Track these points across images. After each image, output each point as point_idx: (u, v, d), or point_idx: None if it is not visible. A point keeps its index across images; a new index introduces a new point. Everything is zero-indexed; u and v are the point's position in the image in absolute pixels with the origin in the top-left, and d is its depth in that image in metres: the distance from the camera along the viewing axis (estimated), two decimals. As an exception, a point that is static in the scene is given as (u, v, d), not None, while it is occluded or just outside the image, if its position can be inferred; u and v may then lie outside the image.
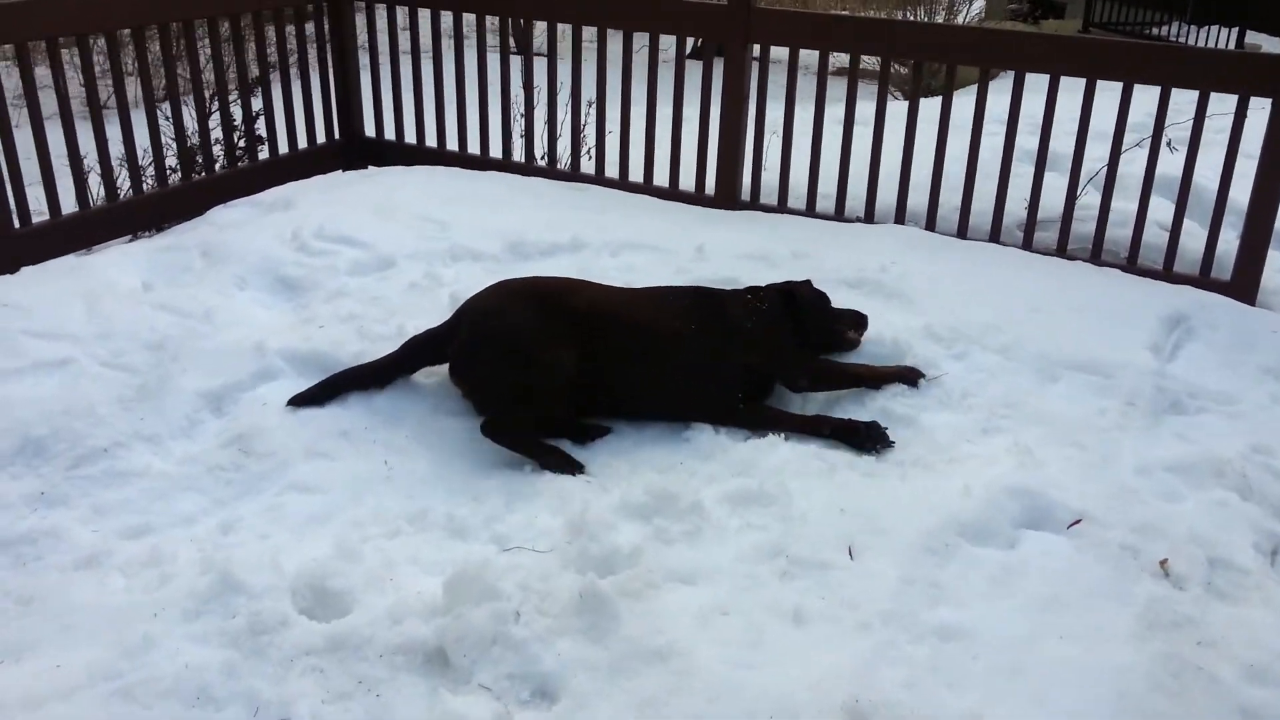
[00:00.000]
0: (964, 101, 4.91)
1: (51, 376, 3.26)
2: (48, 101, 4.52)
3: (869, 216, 4.93)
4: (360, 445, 3.21)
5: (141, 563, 2.63)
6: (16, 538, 2.73)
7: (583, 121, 5.77)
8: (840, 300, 3.86)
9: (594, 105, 5.44)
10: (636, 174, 5.41)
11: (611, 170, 5.46)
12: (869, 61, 6.34)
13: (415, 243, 4.27)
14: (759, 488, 2.88)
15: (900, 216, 4.87)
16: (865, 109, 4.94)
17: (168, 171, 5.23)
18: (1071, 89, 4.43)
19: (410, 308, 3.76)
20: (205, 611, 2.41)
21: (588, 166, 5.76)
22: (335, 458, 3.15)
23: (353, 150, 6.03)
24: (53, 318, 3.51)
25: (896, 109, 4.98)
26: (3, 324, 3.44)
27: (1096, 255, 4.56)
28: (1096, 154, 4.58)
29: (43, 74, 4.82)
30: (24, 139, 4.40)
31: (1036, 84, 4.46)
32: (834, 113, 4.97)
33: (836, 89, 5.05)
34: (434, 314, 3.73)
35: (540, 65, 5.54)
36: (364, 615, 2.40)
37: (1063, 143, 4.61)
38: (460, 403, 3.36)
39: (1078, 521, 2.86)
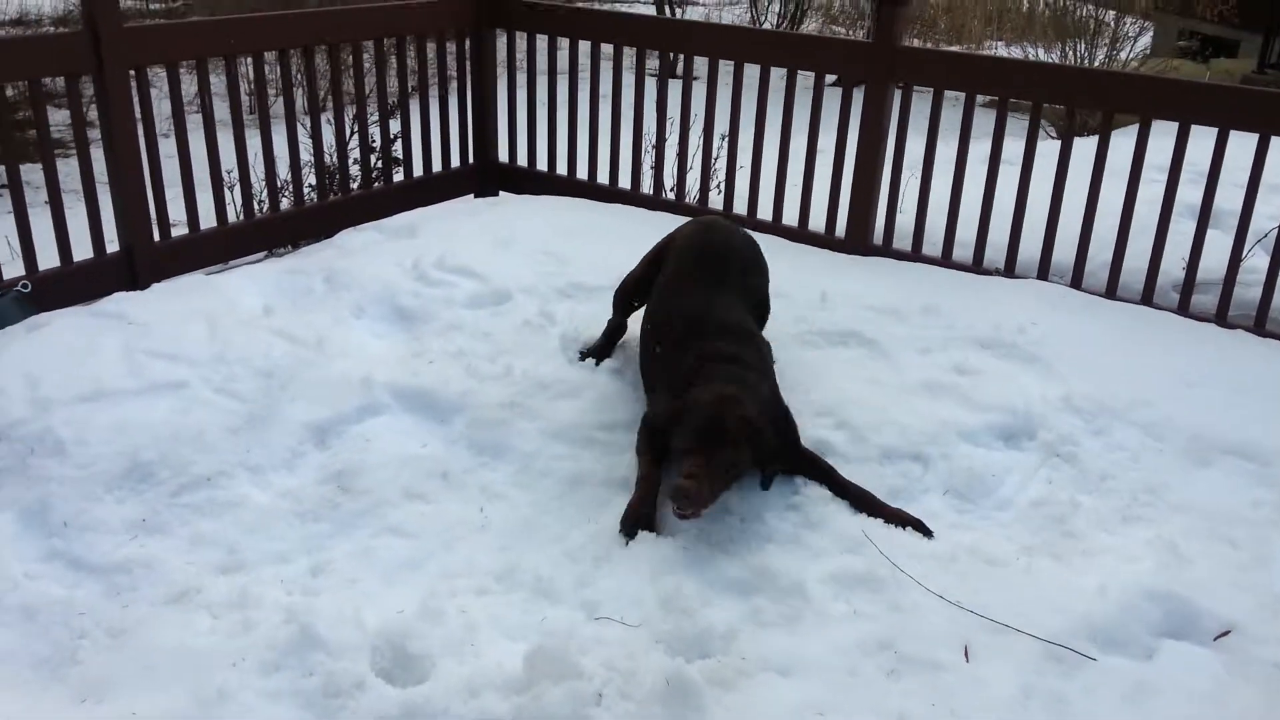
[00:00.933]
0: (1122, 143, 4.55)
1: (165, 399, 3.30)
2: (191, 118, 4.66)
3: (1009, 269, 4.64)
4: (458, 488, 3.14)
5: (229, 604, 2.60)
6: (114, 566, 2.76)
7: (714, 155, 5.65)
8: (970, 363, 3.62)
9: (726, 139, 5.31)
10: (765, 211, 5.24)
11: (740, 206, 5.31)
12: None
13: (533, 278, 4.21)
14: (868, 570, 2.67)
15: (1044, 271, 4.56)
16: (1013, 147, 4.65)
17: (305, 190, 5.33)
18: (1244, 136, 4.06)
19: (520, 347, 3.70)
20: (283, 666, 2.36)
21: (716, 201, 5.62)
22: (432, 500, 3.09)
23: (485, 175, 6.05)
24: (173, 338, 3.57)
25: (1047, 149, 4.67)
26: (127, 342, 3.51)
27: (1260, 325, 4.16)
28: (1267, 211, 4.18)
29: (188, 90, 4.98)
30: (167, 150, 4.54)
31: (1204, 130, 4.11)
32: (978, 150, 4.70)
33: (983, 123, 4.77)
34: (543, 355, 3.65)
35: (674, 95, 5.44)
36: (441, 683, 2.31)
37: (1229, 196, 4.22)
38: (567, 445, 3.25)
39: (1226, 633, 2.57)
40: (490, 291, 4.14)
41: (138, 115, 4.47)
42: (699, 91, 5.30)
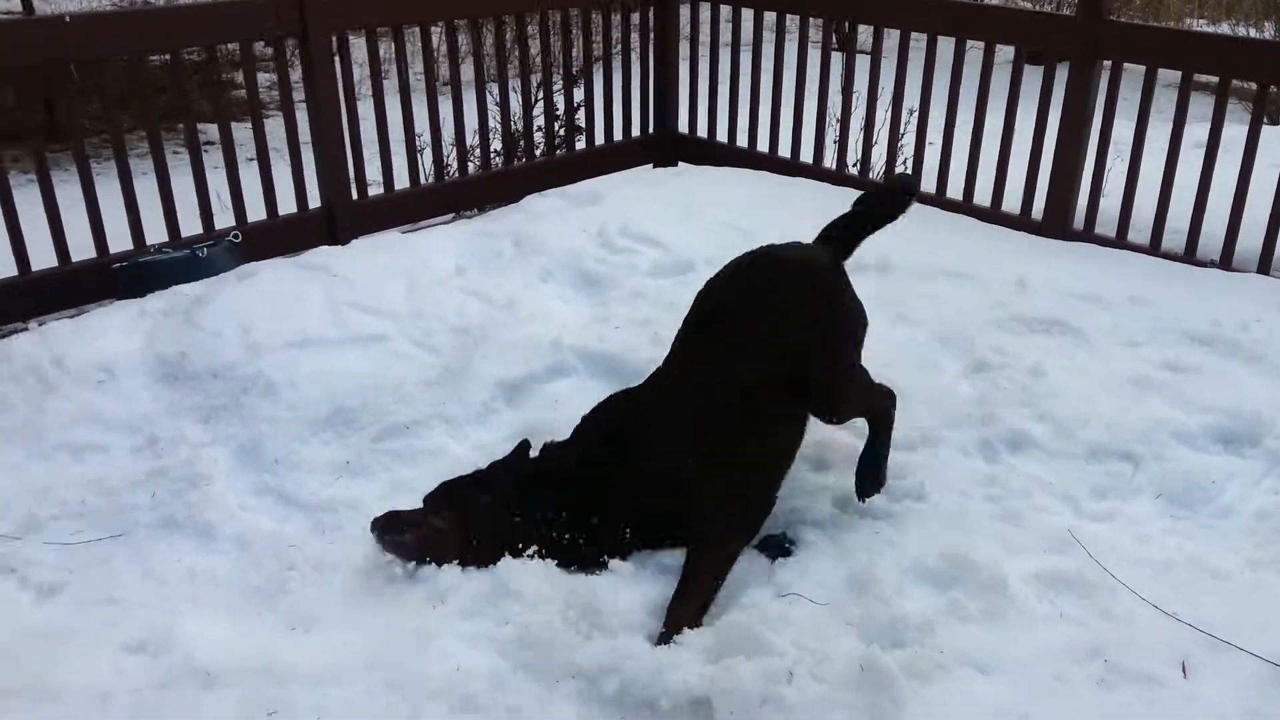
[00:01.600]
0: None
1: (367, 350, 3.42)
2: (385, 84, 4.80)
3: (1225, 262, 4.32)
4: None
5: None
6: (320, 504, 2.88)
7: (901, 130, 5.47)
8: (1185, 360, 3.39)
9: (915, 114, 5.13)
10: (955, 190, 5.05)
11: (928, 183, 5.12)
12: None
13: (715, 249, 4.14)
14: (1077, 572, 2.54)
15: (1266, 265, 4.23)
16: (1233, 131, 4.32)
17: (492, 155, 5.43)
18: None
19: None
20: (479, 613, 2.41)
21: (902, 179, 5.43)
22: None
23: (664, 145, 6.03)
24: (374, 293, 3.69)
25: (1273, 133, 4.31)
26: (331, 294, 3.65)
27: None
28: None
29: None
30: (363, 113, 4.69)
31: None
32: (1193, 134, 4.39)
33: (1199, 106, 4.45)
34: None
35: (861, 67, 5.29)
36: (634, 644, 2.31)
37: None
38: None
39: None
40: (673, 261, 4.12)
41: (339, 79, 4.65)
42: (886, 66, 5.13)
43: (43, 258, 4.03)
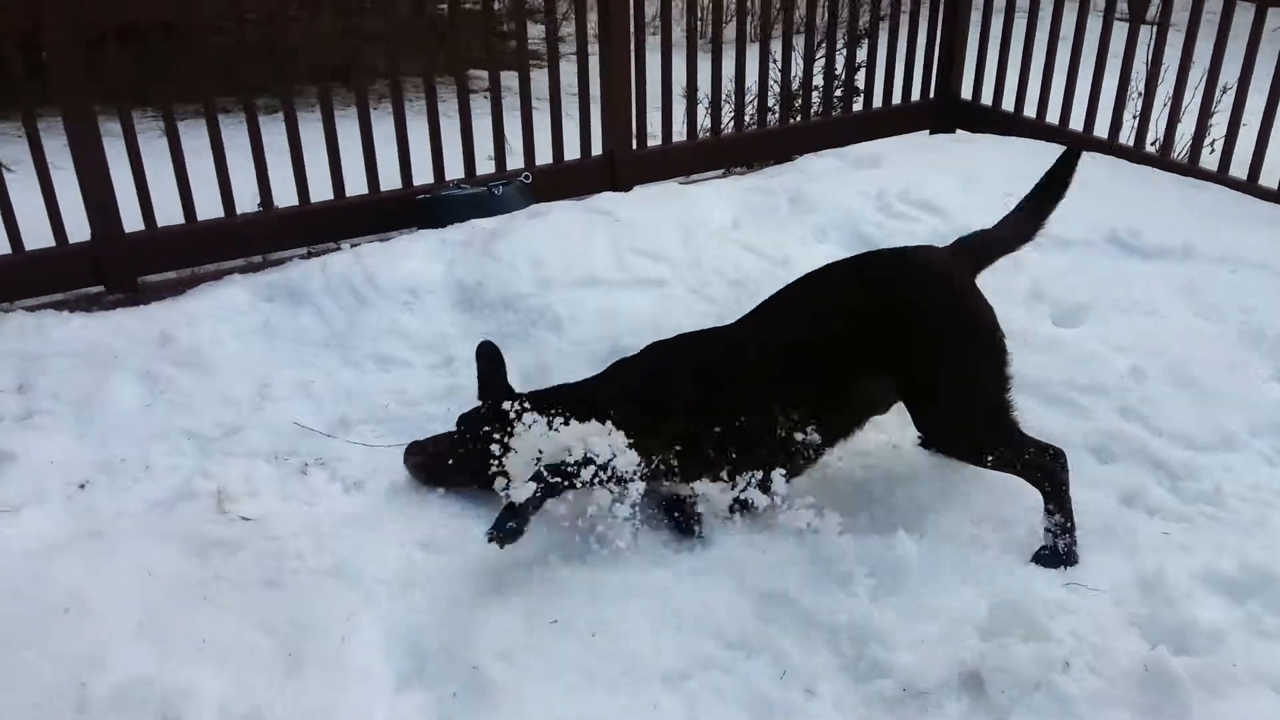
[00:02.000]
0: None
1: (647, 294, 3.54)
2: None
3: None
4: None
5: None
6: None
7: (1213, 108, 5.03)
8: None
9: (1230, 90, 4.71)
10: (1270, 178, 4.62)
11: (1238, 169, 4.71)
12: None
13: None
14: (1402, 602, 2.30)
15: None
16: None
17: (767, 113, 5.43)
18: None
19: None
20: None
21: (1209, 161, 5.02)
22: (885, 431, 3.07)
23: (943, 111, 5.82)
24: (654, 240, 3.80)
25: None
26: (615, 238, 3.79)
27: None
28: None
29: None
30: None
31: None
32: None
33: None
34: (1005, 298, 3.46)
35: (1173, 40, 4.90)
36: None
37: None
38: (1039, 401, 3.08)
39: None
40: (953, 230, 3.95)
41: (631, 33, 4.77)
42: (1207, 42, 4.73)
43: (355, 185, 4.40)
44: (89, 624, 2.30)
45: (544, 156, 4.82)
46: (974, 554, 2.51)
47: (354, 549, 2.55)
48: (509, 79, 4.80)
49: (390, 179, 4.48)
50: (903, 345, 2.53)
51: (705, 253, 3.76)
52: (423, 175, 4.54)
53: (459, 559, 2.50)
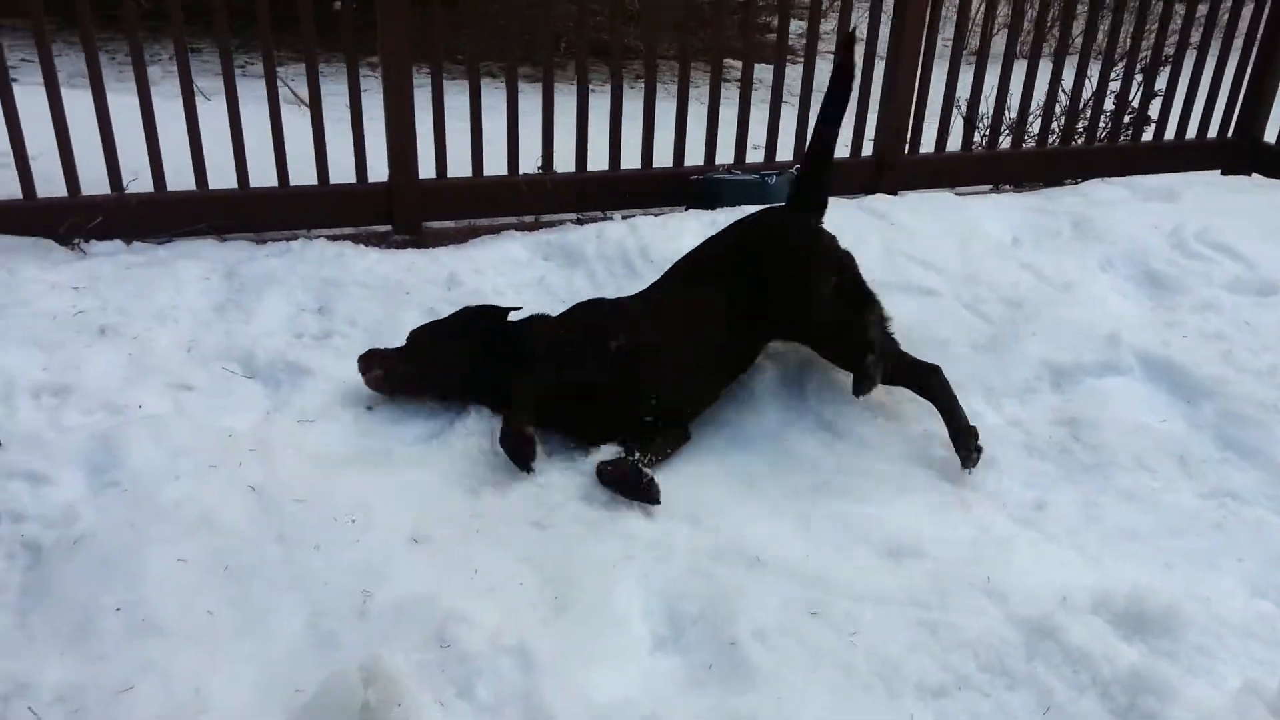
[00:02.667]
0: None
1: (918, 301, 3.45)
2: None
3: None
4: (1195, 478, 2.87)
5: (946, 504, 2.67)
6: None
7: None
8: None
9: None
10: None
11: None
12: None
13: (1311, 274, 3.70)
14: None
15: None
16: None
17: (1050, 133, 5.21)
18: None
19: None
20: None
21: None
22: (1162, 479, 2.87)
23: (1242, 152, 5.41)
24: (928, 248, 3.71)
25: None
26: (888, 241, 3.72)
27: None
28: None
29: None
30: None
31: None
32: None
33: None
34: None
35: None
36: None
37: None
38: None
39: None
40: (1257, 280, 3.71)
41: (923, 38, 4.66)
42: None
43: (629, 159, 4.51)
44: (371, 536, 2.45)
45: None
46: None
47: (618, 507, 2.61)
48: (763, 71, 4.79)
49: (660, 158, 4.57)
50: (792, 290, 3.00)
51: (981, 267, 3.63)
52: (693, 157, 4.60)
53: (720, 535, 2.51)
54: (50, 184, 3.87)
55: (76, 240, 3.76)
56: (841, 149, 4.78)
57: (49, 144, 3.76)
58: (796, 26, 7.57)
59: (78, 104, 3.80)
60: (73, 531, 2.40)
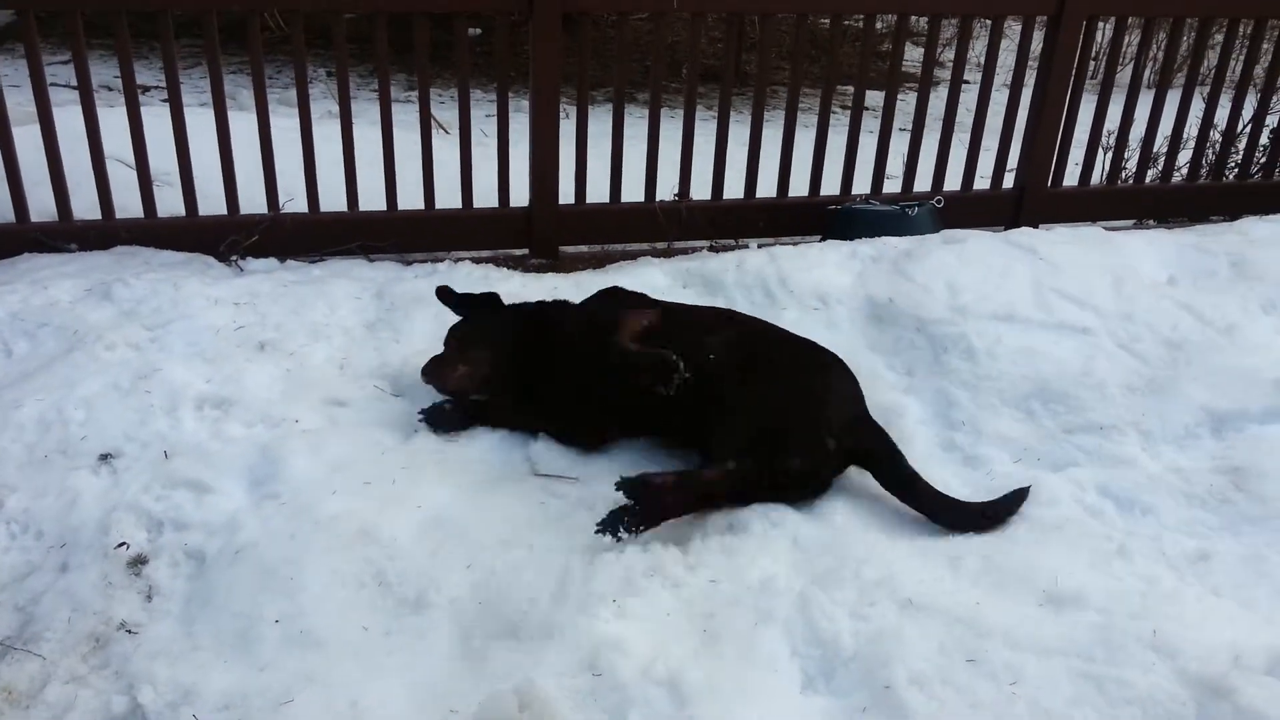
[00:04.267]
0: None
1: (1070, 340, 3.34)
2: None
3: None
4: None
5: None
6: (997, 477, 2.86)
7: None
8: None
9: None
10: None
11: None
12: None
13: None
14: None
15: None
16: None
17: (1200, 167, 5.01)
18: None
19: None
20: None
21: None
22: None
23: None
24: (1081, 284, 3.58)
25: None
26: (1037, 276, 3.61)
27: None
28: None
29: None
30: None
31: None
32: None
33: None
34: None
35: None
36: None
37: None
38: None
39: None
40: None
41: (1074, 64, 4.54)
42: None
43: (765, 188, 4.49)
44: (515, 556, 2.46)
45: (951, 183, 4.71)
46: None
47: (767, 539, 2.57)
48: (876, 99, 4.72)
49: (796, 187, 4.54)
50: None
51: (1137, 306, 3.49)
52: (829, 187, 4.57)
53: (869, 574, 2.46)
54: (209, 202, 4.06)
55: (234, 257, 3.92)
56: (981, 180, 4.74)
57: (208, 165, 3.95)
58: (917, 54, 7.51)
59: (236, 125, 3.98)
60: (235, 541, 2.49)
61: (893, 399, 3.16)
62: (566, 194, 4.30)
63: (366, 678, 2.15)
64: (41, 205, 3.95)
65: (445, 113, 6.17)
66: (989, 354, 3.27)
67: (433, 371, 3.06)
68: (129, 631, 2.28)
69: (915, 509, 2.70)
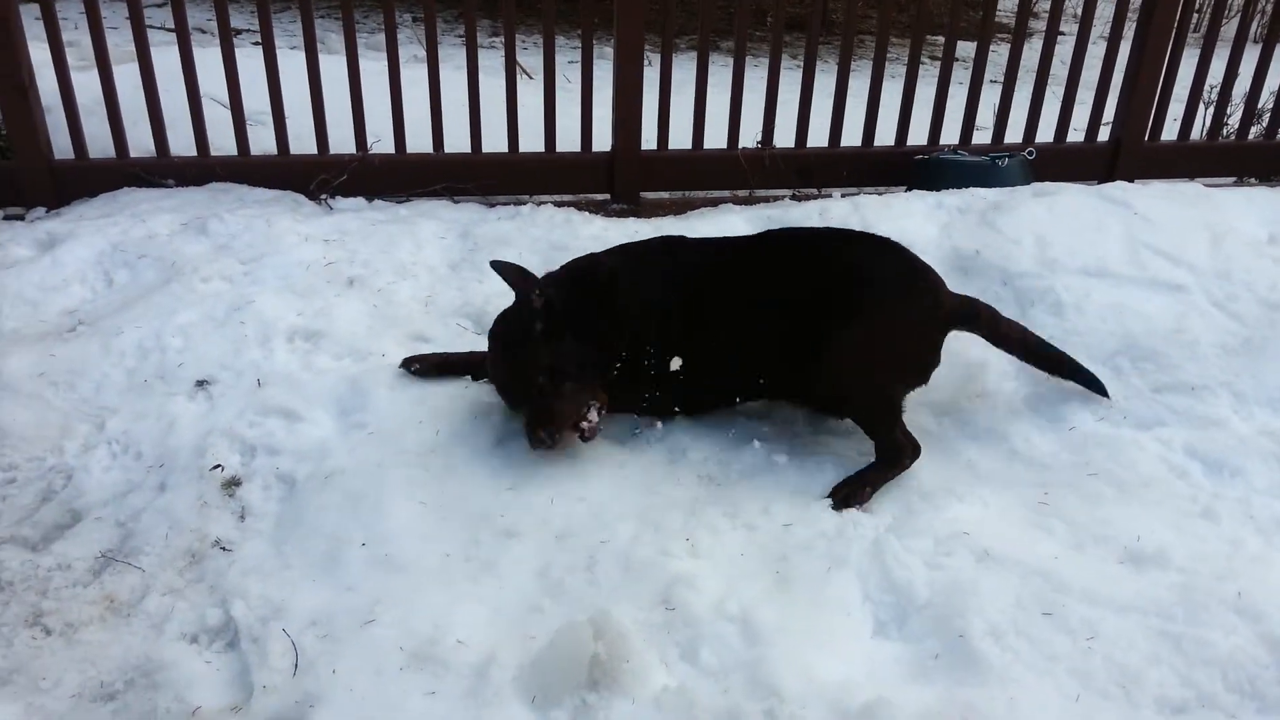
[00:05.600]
0: None
1: (1163, 297, 3.25)
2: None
3: None
4: None
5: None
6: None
7: None
8: None
9: None
10: None
11: None
12: None
13: None
14: None
15: None
16: None
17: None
18: None
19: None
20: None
21: None
22: None
23: None
24: (1175, 241, 3.47)
25: None
26: (1130, 231, 3.51)
27: None
28: None
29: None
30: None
31: None
32: None
33: None
34: None
35: None
36: None
37: None
38: None
39: None
40: None
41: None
42: None
43: (850, 136, 4.43)
44: (598, 492, 2.51)
45: (1043, 135, 4.58)
46: None
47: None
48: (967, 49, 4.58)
49: (882, 136, 4.47)
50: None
51: (1235, 265, 3.38)
52: (916, 137, 4.48)
53: (945, 524, 2.45)
54: (299, 142, 4.14)
55: (324, 196, 4.00)
56: (1075, 133, 4.61)
57: (298, 106, 4.03)
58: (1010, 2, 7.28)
59: (326, 67, 4.04)
60: (324, 467, 2.57)
61: (976, 353, 3.10)
62: (649, 140, 4.29)
63: (447, 603, 2.21)
64: (139, 142, 4.07)
65: (529, 59, 6.19)
66: (1077, 309, 3.20)
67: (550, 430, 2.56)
68: (223, 549, 2.37)
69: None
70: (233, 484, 2.57)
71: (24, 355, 2.95)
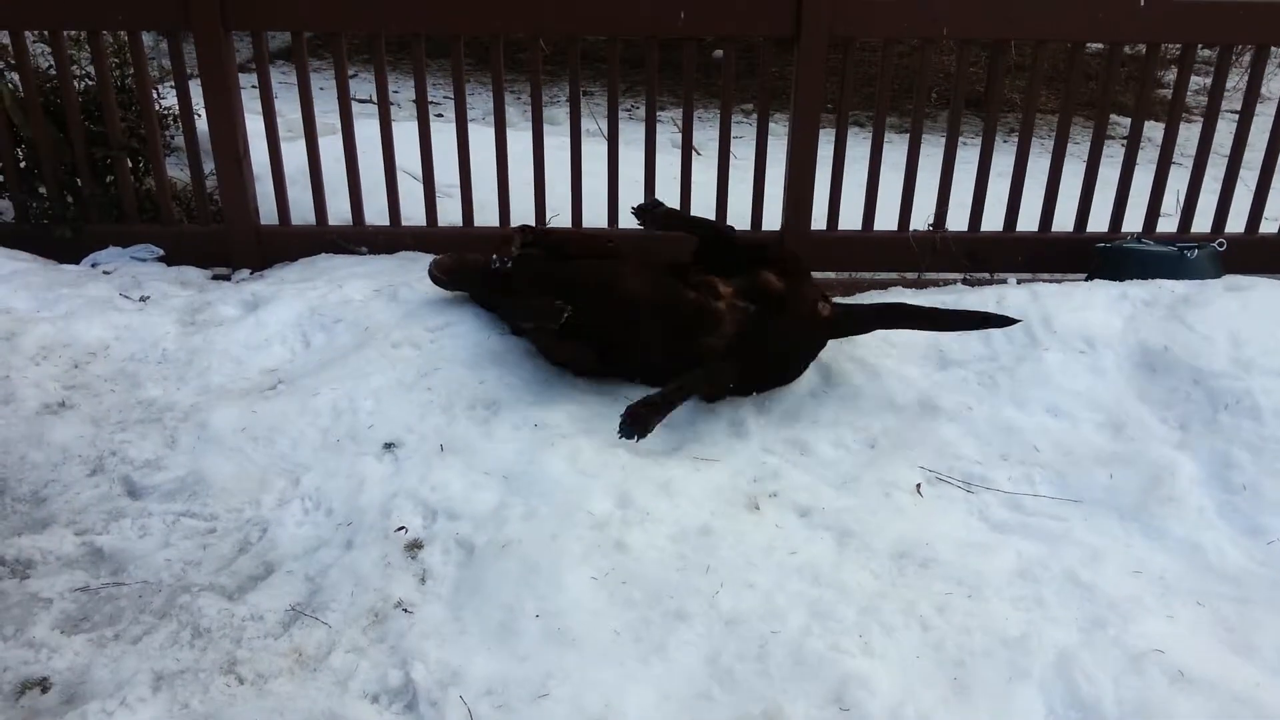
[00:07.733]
0: None
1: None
2: None
3: None
4: None
5: None
6: None
7: None
8: None
9: None
10: None
11: None
12: None
13: None
14: None
15: None
16: None
17: None
18: None
19: None
20: None
21: None
22: None
23: None
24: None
25: None
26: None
27: None
28: None
29: None
30: None
31: None
32: None
33: None
34: None
35: None
36: None
37: None
38: None
39: None
40: None
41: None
42: None
43: (1026, 220, 4.33)
44: (767, 578, 2.50)
45: (1233, 224, 4.38)
46: None
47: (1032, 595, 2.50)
48: (1153, 130, 4.43)
49: (1061, 222, 4.36)
50: None
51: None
52: (1097, 223, 4.36)
53: (1135, 631, 2.33)
54: (483, 212, 4.33)
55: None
56: (1269, 222, 4.38)
57: (483, 179, 4.23)
58: (1195, 83, 7.00)
59: (513, 142, 4.23)
60: (501, 535, 2.64)
61: (1164, 454, 2.98)
62: (818, 218, 4.30)
63: (619, 682, 2.23)
64: (336, 209, 4.34)
65: (698, 133, 6.29)
66: (1276, 413, 3.02)
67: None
68: (405, 610, 2.46)
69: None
70: (415, 546, 2.67)
71: (229, 410, 3.15)
